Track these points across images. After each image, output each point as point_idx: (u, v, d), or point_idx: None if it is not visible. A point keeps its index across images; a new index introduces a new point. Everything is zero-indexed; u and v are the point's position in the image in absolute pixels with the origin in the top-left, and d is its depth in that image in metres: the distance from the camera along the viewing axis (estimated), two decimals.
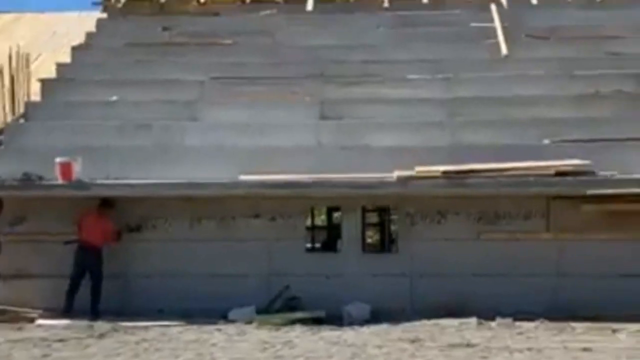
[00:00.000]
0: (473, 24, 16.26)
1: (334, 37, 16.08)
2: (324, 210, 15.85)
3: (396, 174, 11.50)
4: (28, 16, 21.08)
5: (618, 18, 16.20)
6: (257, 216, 12.64)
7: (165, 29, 16.67)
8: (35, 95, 14.87)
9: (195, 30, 16.53)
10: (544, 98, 13.53)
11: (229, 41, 15.94)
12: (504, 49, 15.14)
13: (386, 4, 17.68)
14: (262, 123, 13.28)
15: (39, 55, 17.45)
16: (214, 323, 11.28)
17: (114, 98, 14.19)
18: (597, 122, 12.90)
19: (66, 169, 12.03)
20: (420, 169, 11.48)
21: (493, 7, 16.86)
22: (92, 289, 12.24)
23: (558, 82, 14.03)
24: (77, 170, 12.12)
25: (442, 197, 11.89)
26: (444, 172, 11.32)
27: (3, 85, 14.17)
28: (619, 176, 11.55)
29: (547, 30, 15.92)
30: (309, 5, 17.87)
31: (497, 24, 16.13)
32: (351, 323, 11.31)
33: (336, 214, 16.69)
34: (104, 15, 17.96)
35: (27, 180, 12.07)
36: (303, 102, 13.82)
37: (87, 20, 18.17)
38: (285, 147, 12.65)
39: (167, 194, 12.20)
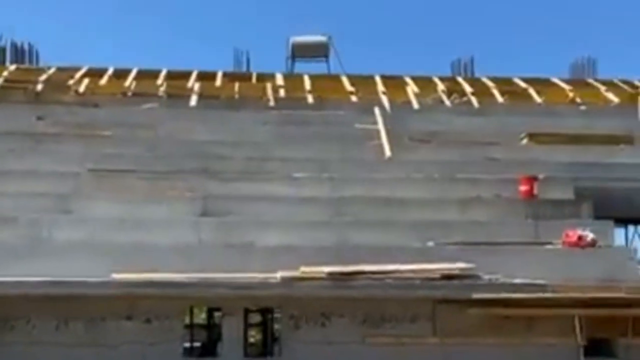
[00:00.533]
0: (357, 125, 16.37)
1: (218, 132, 15.78)
2: (204, 308, 15.08)
3: (280, 274, 11.04)
4: None
5: (494, 124, 16.75)
6: (129, 318, 11.78)
7: (39, 118, 16.01)
8: None
9: (72, 120, 15.90)
10: (428, 201, 13.56)
11: (107, 132, 15.37)
12: (387, 151, 15.25)
13: (272, 103, 17.67)
14: (140, 218, 12.62)
15: None
16: None
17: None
18: (479, 224, 12.99)
19: None
20: (305, 270, 11.07)
21: (377, 110, 17.10)
22: None
23: (440, 185, 14.14)
24: None
25: (326, 299, 11.43)
26: (329, 273, 10.95)
27: None
28: (502, 280, 11.50)
29: (429, 134, 16.22)
30: (193, 101, 17.64)
31: (381, 126, 16.32)
32: None
33: (217, 313, 15.98)
34: None
35: None
36: (184, 197, 13.30)
37: None
38: (163, 244, 12.01)
39: (30, 292, 11.23)
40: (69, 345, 11.65)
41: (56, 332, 11.70)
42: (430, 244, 12.41)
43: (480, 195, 13.90)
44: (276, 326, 13.28)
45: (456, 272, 11.34)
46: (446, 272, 11.33)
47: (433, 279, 11.26)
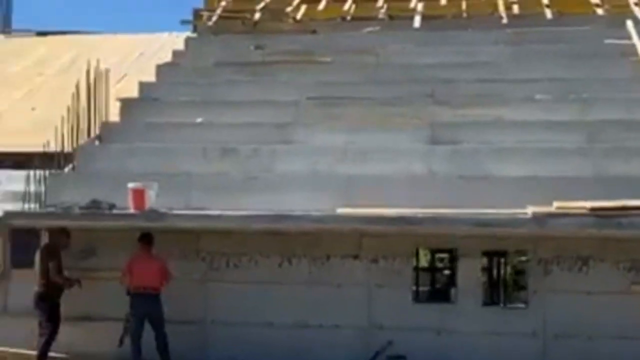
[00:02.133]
0: (607, 41, 14.13)
1: (444, 55, 14.17)
2: (433, 249, 13.83)
3: (531, 209, 9.42)
4: (117, 37, 20.06)
5: None
6: (355, 257, 10.80)
7: (258, 47, 15.21)
8: (115, 117, 13.54)
9: (290, 48, 14.95)
10: None
11: (327, 59, 14.32)
12: None
13: (504, 20, 15.78)
14: (363, 148, 11.45)
15: (124, 76, 16.23)
16: None
17: (199, 120, 12.72)
18: None
19: (139, 196, 10.47)
20: (561, 205, 9.36)
21: (629, 22, 14.72)
22: (158, 342, 10.59)
23: None
24: (152, 197, 10.55)
25: (585, 239, 9.74)
26: (592, 209, 9.17)
27: (79, 104, 12.88)
28: None
29: None
30: (416, 22, 16.16)
31: (636, 40, 13.99)
32: None
33: (442, 255, 14.74)
34: (194, 35, 16.77)
35: (94, 209, 10.57)
36: (410, 125, 11.95)
37: (176, 41, 16.97)
38: (391, 176, 10.80)
39: (254, 228, 10.50)
40: (293, 283, 10.89)
41: (279, 270, 10.98)
42: None
43: None
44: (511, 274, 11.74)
45: None
46: None
47: None
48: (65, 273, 10.94)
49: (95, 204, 10.55)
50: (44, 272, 10.83)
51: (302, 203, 10.53)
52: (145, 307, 10.53)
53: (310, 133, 12.12)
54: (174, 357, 10.52)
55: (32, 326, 10.81)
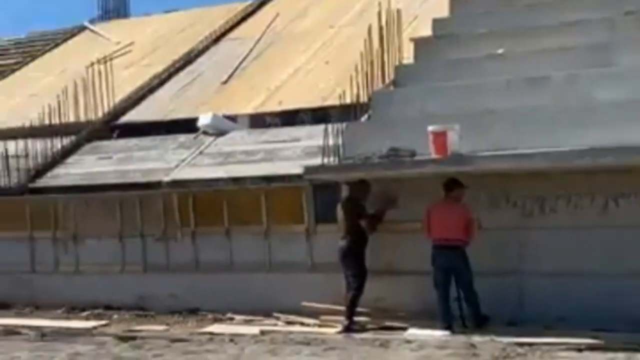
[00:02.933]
0: None
1: None
2: None
3: None
4: None
5: None
6: None
7: None
8: (409, 60, 12.75)
9: None
10: None
11: None
12: None
13: None
14: None
15: (415, 18, 15.38)
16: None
17: (500, 51, 11.49)
18: None
19: (440, 139, 9.53)
20: None
21: None
22: (467, 300, 9.66)
23: None
24: (455, 140, 9.58)
25: None
26: None
27: (372, 50, 12.25)
28: None
29: None
30: None
31: None
32: None
33: None
34: None
35: (394, 157, 9.85)
36: None
37: None
38: None
39: (574, 165, 9.11)
40: (619, 227, 9.37)
41: (603, 213, 9.50)
42: None
43: None
44: None
45: None
46: None
47: None
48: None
49: (394, 152, 9.83)
50: (348, 226, 10.39)
51: (627, 135, 8.94)
52: (448, 261, 9.66)
53: (630, 54, 10.37)
54: (487, 314, 9.56)
55: (338, 281, 10.46)
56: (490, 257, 9.80)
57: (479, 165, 9.45)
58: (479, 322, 9.53)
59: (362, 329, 10.10)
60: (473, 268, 9.64)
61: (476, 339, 8.80)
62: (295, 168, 11.30)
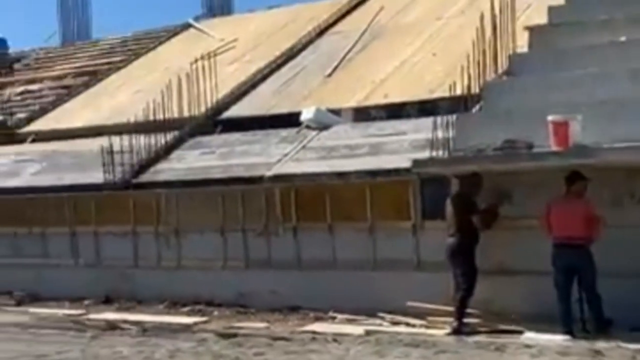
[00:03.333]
0: None
1: None
2: None
3: None
4: None
5: None
6: None
7: None
8: (523, 49, 12.07)
9: None
10: None
11: None
12: None
13: None
14: None
15: (528, 6, 14.63)
16: None
17: (623, 39, 10.70)
18: None
19: (561, 130, 8.86)
20: None
21: None
22: (588, 300, 8.92)
23: None
24: (577, 131, 8.89)
25: None
26: None
27: (484, 39, 11.64)
28: None
29: None
30: None
31: None
32: None
33: None
34: None
35: (509, 149, 9.22)
36: None
37: None
38: None
39: None
40: None
41: None
42: None
43: None
44: None
45: None
46: None
47: None
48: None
49: (510, 144, 9.21)
50: (457, 223, 9.83)
51: None
52: (571, 261, 8.94)
53: None
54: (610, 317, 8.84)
55: (446, 281, 9.91)
56: (612, 257, 9.05)
57: (603, 157, 8.72)
58: (601, 326, 8.81)
59: (473, 331, 9.52)
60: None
61: (601, 344, 8.10)
62: (401, 162, 10.82)
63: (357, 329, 9.83)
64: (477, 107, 10.92)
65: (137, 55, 21.56)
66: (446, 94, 11.87)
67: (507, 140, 9.26)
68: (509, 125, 9.70)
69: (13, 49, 25.18)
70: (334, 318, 10.83)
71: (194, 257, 12.65)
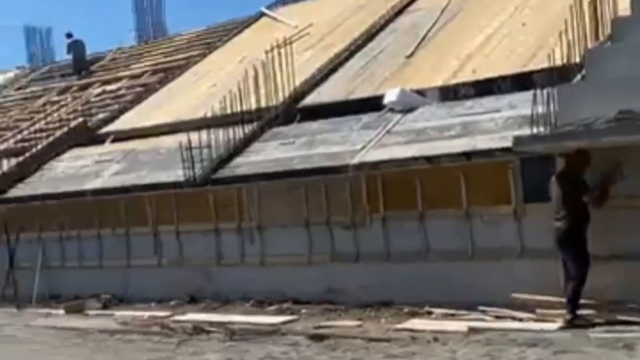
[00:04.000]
0: None
1: None
2: None
3: None
4: None
5: None
6: None
7: None
8: (624, 12, 11.03)
9: None
10: None
11: None
12: None
13: None
14: None
15: None
16: None
17: None
18: None
19: None
20: None
21: None
22: None
23: None
24: None
25: None
26: None
27: (582, 2, 10.66)
28: None
29: None
30: None
31: None
32: None
33: None
34: None
35: (627, 120, 8.24)
36: None
37: None
38: None
39: None
40: None
41: None
42: None
43: None
44: None
45: None
46: None
47: None
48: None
49: (626, 114, 8.23)
50: (566, 204, 8.90)
51: None
52: None
53: None
54: None
55: (554, 268, 9.00)
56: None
57: None
58: None
59: (589, 323, 8.60)
60: None
61: None
62: (497, 142, 9.98)
63: (459, 326, 9.00)
64: (578, 77, 9.96)
65: (212, 49, 21.18)
66: (540, 66, 10.94)
67: (621, 111, 8.28)
68: (617, 95, 8.74)
69: (90, 51, 25.17)
70: (430, 313, 10.05)
71: (278, 253, 12.05)
